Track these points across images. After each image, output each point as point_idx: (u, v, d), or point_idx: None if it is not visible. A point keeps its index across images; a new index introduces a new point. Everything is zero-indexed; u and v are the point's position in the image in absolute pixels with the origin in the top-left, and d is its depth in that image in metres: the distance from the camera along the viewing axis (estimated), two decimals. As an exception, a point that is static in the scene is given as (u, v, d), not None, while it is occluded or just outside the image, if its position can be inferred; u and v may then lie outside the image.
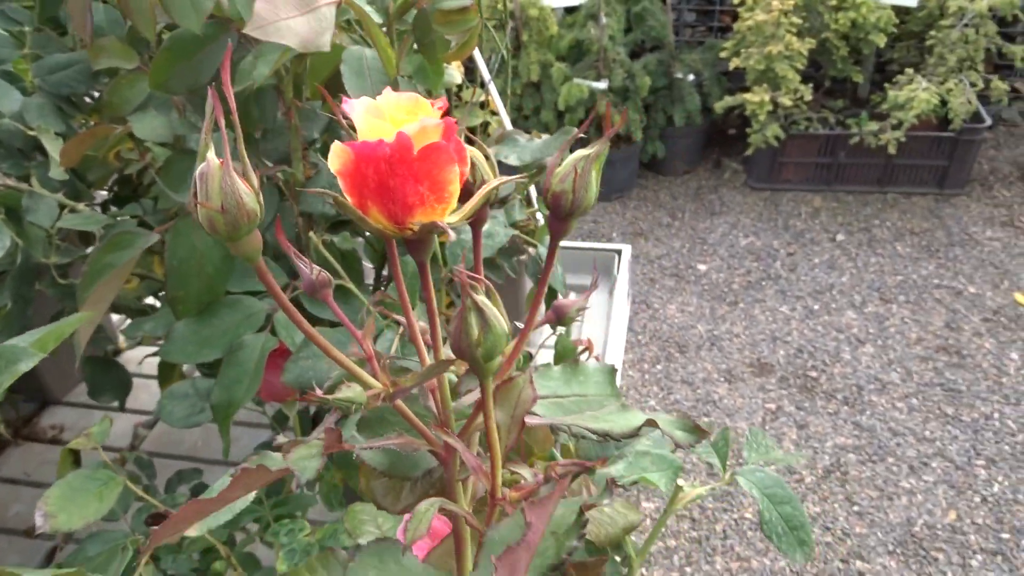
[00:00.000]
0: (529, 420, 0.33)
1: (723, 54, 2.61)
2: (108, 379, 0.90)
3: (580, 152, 0.30)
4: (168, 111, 0.85)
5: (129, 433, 1.38)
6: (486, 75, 1.22)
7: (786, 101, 2.42)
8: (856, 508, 1.65)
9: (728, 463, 0.54)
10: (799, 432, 1.83)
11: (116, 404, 0.98)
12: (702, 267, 2.39)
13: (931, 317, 2.13)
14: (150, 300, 1.02)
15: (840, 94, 2.74)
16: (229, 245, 0.28)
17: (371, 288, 0.84)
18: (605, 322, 1.41)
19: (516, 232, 0.71)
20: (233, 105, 0.26)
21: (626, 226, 2.63)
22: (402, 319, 0.35)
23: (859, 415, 1.86)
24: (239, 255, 0.28)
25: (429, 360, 0.35)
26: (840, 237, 2.46)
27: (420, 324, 0.34)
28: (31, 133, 0.82)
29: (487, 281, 0.28)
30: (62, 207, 0.82)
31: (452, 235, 0.28)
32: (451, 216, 0.30)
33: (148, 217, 0.79)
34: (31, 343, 0.43)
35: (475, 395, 0.32)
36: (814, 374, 1.98)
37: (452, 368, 0.34)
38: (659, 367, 2.05)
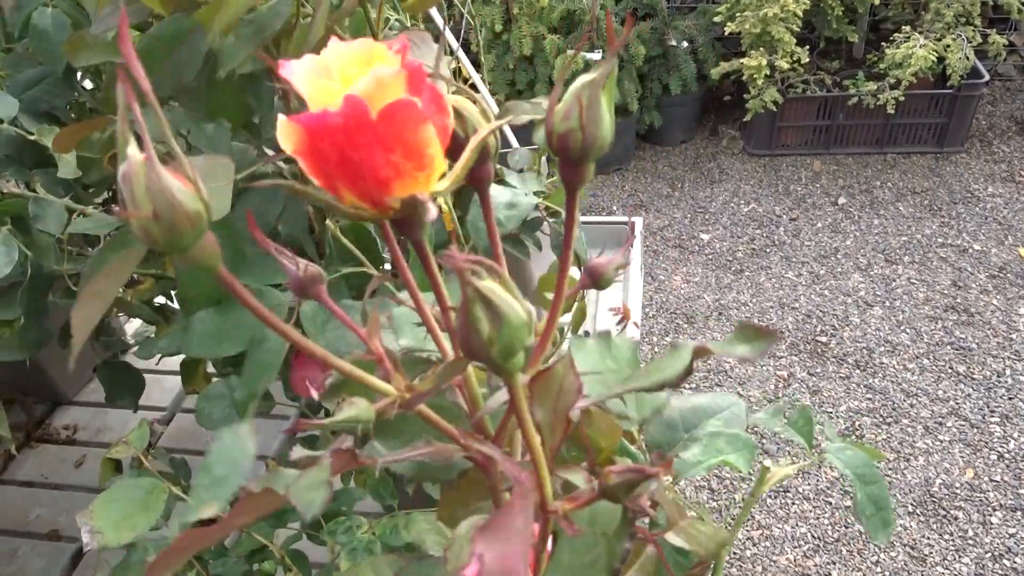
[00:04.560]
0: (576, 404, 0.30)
1: (717, 19, 2.57)
2: (124, 383, 0.89)
3: (582, 79, 0.25)
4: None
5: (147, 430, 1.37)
6: (453, 42, 1.13)
7: (783, 64, 2.39)
8: (873, 471, 1.65)
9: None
10: (812, 398, 1.83)
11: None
12: (705, 236, 2.38)
13: (937, 276, 2.13)
14: (161, 300, 1.00)
15: (835, 55, 2.71)
16: (175, 258, 0.22)
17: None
18: (622, 295, 1.41)
19: (540, 200, 0.68)
20: (144, 82, 0.21)
21: (626, 198, 2.61)
22: (411, 304, 0.31)
23: (871, 378, 1.86)
24: (191, 266, 0.23)
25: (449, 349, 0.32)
26: (842, 200, 2.45)
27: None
28: (31, 138, 0.80)
29: (490, 262, 0.23)
30: (70, 212, 0.79)
31: (433, 211, 0.24)
32: (440, 183, 0.25)
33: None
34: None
35: (496, 397, 0.29)
36: (824, 339, 1.98)
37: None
38: (668, 339, 2.05)
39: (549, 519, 0.30)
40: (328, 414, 0.82)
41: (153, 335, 0.98)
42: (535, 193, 0.81)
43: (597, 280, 0.33)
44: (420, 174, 0.24)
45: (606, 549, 0.30)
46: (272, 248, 0.27)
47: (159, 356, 1.06)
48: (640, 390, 0.29)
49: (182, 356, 0.91)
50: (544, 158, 1.05)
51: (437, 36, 1.09)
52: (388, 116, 0.22)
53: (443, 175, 0.25)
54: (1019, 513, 1.54)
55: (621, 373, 0.36)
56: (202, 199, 0.22)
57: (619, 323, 0.62)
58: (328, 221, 0.78)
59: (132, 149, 0.21)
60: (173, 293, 0.98)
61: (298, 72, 0.24)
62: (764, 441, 1.74)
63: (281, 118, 0.23)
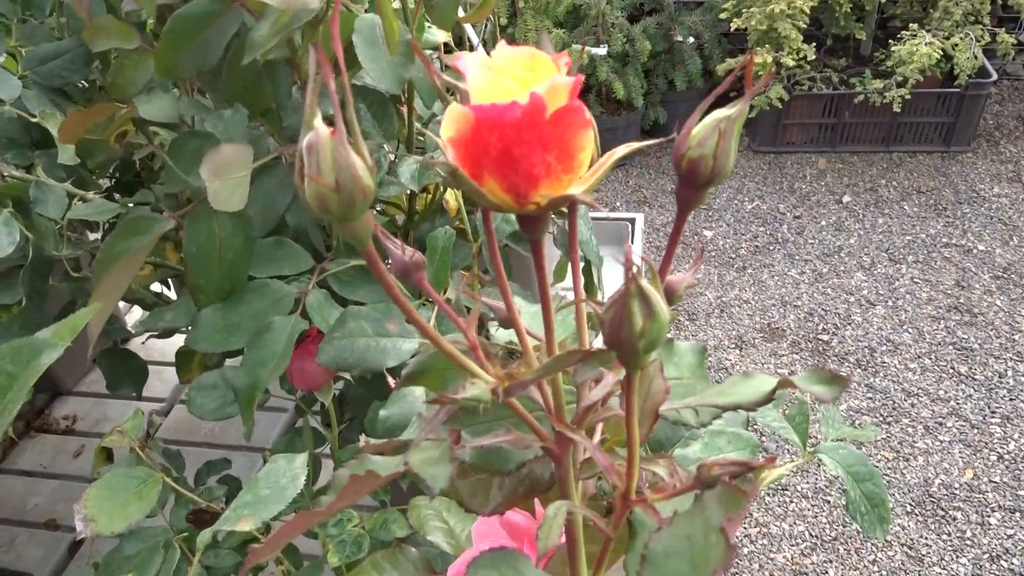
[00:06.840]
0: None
1: (723, 15, 2.56)
2: (126, 371, 0.89)
3: (720, 112, 0.27)
4: (172, 91, 0.82)
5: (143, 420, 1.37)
6: (475, 39, 1.17)
7: (789, 61, 2.38)
8: (873, 470, 1.65)
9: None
10: (812, 396, 1.83)
11: (133, 394, 0.96)
12: (708, 233, 2.38)
13: (941, 276, 2.12)
14: (158, 288, 1.00)
15: (842, 52, 2.70)
16: (339, 226, 0.25)
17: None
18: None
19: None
20: (343, 64, 0.23)
21: (629, 194, 2.61)
22: (496, 303, 0.32)
23: (872, 377, 1.86)
24: (348, 237, 0.25)
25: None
26: (847, 198, 2.44)
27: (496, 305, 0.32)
28: (34, 120, 0.80)
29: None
30: (71, 197, 0.79)
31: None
32: (574, 187, 0.26)
33: (161, 203, 0.77)
34: (49, 336, 0.41)
35: (600, 388, 0.30)
36: (825, 337, 1.97)
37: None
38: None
39: (628, 508, 0.31)
40: (324, 407, 0.81)
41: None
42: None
43: (670, 297, 0.35)
44: (566, 177, 0.25)
45: (702, 542, 0.30)
46: (381, 232, 0.28)
47: (145, 339, 1.06)
48: (714, 407, 0.30)
49: (178, 347, 0.91)
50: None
51: (460, 37, 1.11)
52: (559, 118, 0.24)
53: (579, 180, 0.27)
54: (1017, 514, 1.53)
55: (684, 383, 0.36)
56: (374, 178, 0.24)
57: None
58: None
59: (318, 122, 0.23)
60: (171, 281, 0.97)
61: (471, 65, 0.25)
62: (764, 439, 1.74)
63: (453, 105, 0.24)
